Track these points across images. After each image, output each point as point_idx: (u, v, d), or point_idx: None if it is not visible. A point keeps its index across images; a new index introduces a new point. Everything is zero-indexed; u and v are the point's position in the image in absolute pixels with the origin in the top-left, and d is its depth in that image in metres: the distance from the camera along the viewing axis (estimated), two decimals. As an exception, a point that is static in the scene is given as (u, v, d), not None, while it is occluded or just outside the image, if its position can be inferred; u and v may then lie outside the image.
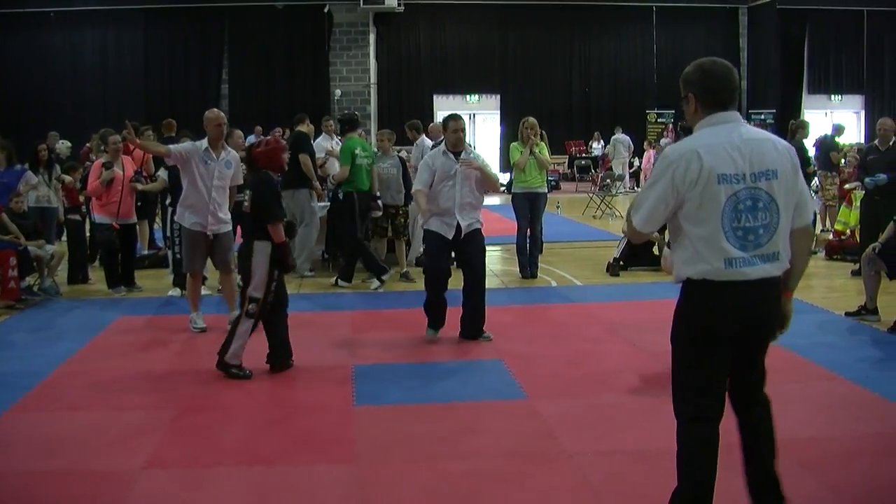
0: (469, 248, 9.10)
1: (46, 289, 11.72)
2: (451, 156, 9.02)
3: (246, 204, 8.30)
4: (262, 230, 7.78)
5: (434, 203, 8.92)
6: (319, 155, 13.86)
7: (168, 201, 11.89)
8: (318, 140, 14.95)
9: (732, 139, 4.19)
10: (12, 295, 11.05)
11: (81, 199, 12.89)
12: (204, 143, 9.52)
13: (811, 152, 16.38)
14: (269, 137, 8.89)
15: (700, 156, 4.12)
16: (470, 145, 9.94)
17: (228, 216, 9.73)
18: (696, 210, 4.17)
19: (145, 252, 14.32)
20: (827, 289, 11.90)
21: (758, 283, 4.20)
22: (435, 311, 9.22)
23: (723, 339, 4.27)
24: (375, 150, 13.06)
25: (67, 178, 12.83)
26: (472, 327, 9.19)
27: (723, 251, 4.15)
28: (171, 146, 9.71)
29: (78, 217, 12.88)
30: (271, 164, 8.07)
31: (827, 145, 17.05)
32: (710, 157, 4.12)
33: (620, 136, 28.74)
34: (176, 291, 11.55)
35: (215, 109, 9.99)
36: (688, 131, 4.79)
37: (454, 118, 9.20)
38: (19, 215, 11.67)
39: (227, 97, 31.49)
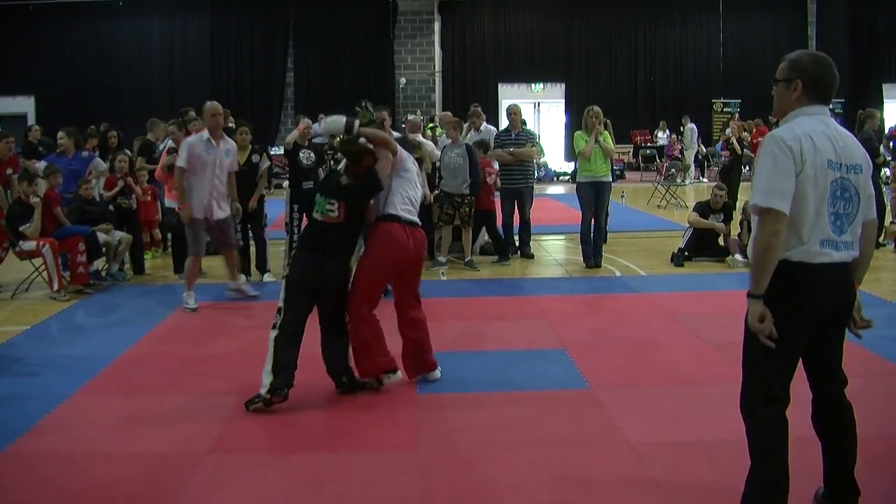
0: None
1: (114, 274, 11.89)
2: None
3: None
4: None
5: None
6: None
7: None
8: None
9: (832, 132, 4.38)
10: (81, 280, 11.24)
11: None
12: (205, 133, 10.26)
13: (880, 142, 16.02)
14: None
15: (813, 139, 4.29)
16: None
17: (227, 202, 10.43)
18: (809, 189, 4.28)
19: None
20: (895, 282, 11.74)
21: (840, 266, 4.40)
22: None
23: (807, 322, 4.42)
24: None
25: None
26: None
27: (822, 232, 4.33)
28: (180, 162, 10.17)
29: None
30: None
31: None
32: (820, 142, 4.31)
33: (690, 126, 28.46)
34: (240, 278, 11.62)
35: (213, 101, 10.53)
36: None
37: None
38: (88, 201, 11.85)
39: (292, 85, 31.71)
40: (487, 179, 13.18)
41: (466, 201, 12.69)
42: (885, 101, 31.79)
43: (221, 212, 10.23)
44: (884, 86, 32.68)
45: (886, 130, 20.89)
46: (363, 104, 7.74)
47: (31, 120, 28.58)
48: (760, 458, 4.52)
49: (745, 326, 4.47)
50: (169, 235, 13.50)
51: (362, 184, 7.08)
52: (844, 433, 4.73)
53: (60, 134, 12.95)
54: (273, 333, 6.86)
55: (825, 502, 4.89)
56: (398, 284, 7.30)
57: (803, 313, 4.39)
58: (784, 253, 4.32)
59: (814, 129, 4.33)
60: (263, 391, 6.71)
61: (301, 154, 11.93)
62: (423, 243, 7.33)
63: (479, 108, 15.47)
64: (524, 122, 14.30)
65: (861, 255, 4.55)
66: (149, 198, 13.24)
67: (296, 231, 11.96)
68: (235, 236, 10.75)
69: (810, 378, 4.73)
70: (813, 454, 5.41)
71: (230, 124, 13.51)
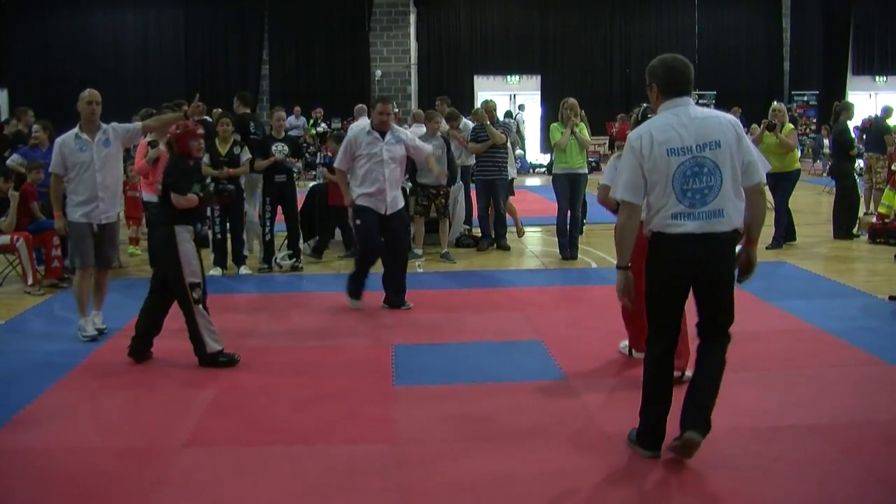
0: (393, 223, 9.72)
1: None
2: (377, 135, 9.72)
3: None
4: (181, 213, 7.73)
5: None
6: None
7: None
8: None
9: (682, 119, 5.21)
10: (56, 274, 11.20)
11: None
12: (74, 130, 8.82)
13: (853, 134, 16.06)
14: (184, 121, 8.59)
15: (652, 135, 5.20)
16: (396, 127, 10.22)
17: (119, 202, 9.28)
18: (654, 177, 5.17)
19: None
20: (870, 272, 11.79)
21: (701, 237, 5.15)
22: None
23: (673, 281, 5.32)
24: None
25: None
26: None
27: (672, 208, 5.15)
28: (52, 168, 8.86)
29: None
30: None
31: (880, 128, 16.75)
32: (660, 136, 5.18)
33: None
34: (217, 271, 11.57)
35: (91, 89, 9.02)
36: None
37: (382, 101, 9.90)
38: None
39: (267, 77, 31.58)
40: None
41: (442, 192, 12.73)
42: (848, 92, 31.77)
43: (111, 215, 8.90)
44: (852, 78, 32.73)
45: (859, 123, 20.95)
46: None
47: (4, 112, 28.35)
48: (646, 379, 5.52)
49: (644, 278, 5.42)
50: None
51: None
52: (709, 370, 5.43)
53: (35, 127, 12.88)
54: None
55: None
56: None
57: (665, 273, 5.31)
58: (647, 227, 5.31)
59: (659, 124, 5.26)
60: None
61: (274, 147, 11.89)
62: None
63: (440, 108, 15.21)
64: (505, 116, 14.31)
65: (749, 217, 5.32)
66: (137, 193, 13.11)
67: (268, 223, 11.96)
68: (115, 253, 9.54)
69: (697, 325, 5.53)
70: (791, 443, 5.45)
71: (207, 117, 13.44)
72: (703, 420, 5.34)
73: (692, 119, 5.20)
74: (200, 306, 7.69)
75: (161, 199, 7.85)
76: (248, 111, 13.37)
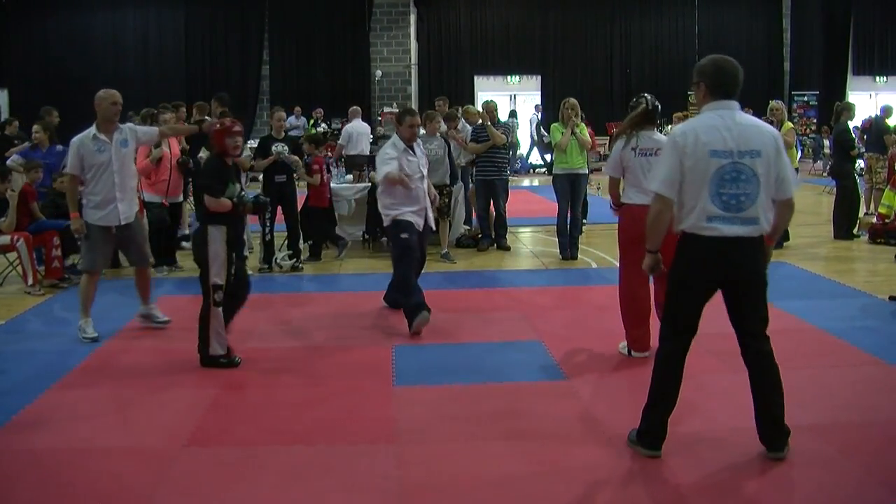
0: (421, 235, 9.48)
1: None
2: (410, 151, 9.38)
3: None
4: (216, 213, 7.67)
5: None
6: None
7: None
8: None
9: (727, 123, 5.24)
10: (56, 274, 11.19)
11: None
12: (91, 130, 8.72)
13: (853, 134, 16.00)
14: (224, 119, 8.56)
15: (698, 134, 5.22)
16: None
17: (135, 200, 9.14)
18: (692, 175, 5.21)
19: (186, 232, 14.29)
20: (870, 272, 11.79)
21: (733, 241, 5.22)
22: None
23: (700, 282, 5.38)
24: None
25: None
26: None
27: (706, 210, 5.20)
28: (69, 170, 8.77)
29: None
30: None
31: (880, 128, 16.70)
32: (705, 136, 5.21)
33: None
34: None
35: (111, 89, 8.95)
36: None
37: (411, 113, 9.60)
38: (62, 195, 11.77)
39: (267, 78, 31.56)
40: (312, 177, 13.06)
41: (445, 192, 12.72)
42: (848, 92, 31.74)
43: (129, 214, 8.86)
44: (852, 78, 32.67)
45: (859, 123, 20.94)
46: None
47: (4, 113, 28.35)
48: (655, 376, 5.61)
49: (668, 276, 5.54)
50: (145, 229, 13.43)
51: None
52: (763, 376, 5.53)
53: (35, 127, 12.89)
54: None
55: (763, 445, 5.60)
56: None
57: (693, 274, 5.36)
58: (680, 226, 5.36)
59: (704, 124, 5.27)
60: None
61: (274, 147, 11.90)
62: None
63: (440, 108, 15.27)
64: (510, 116, 14.30)
65: (773, 226, 5.38)
66: (138, 193, 13.06)
67: (268, 223, 11.95)
68: (148, 249, 9.56)
69: (735, 331, 5.56)
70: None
71: (207, 117, 13.44)
72: (780, 435, 5.52)
73: (737, 124, 5.25)
74: (220, 310, 7.68)
75: (196, 198, 7.92)
76: (226, 111, 13.34)
